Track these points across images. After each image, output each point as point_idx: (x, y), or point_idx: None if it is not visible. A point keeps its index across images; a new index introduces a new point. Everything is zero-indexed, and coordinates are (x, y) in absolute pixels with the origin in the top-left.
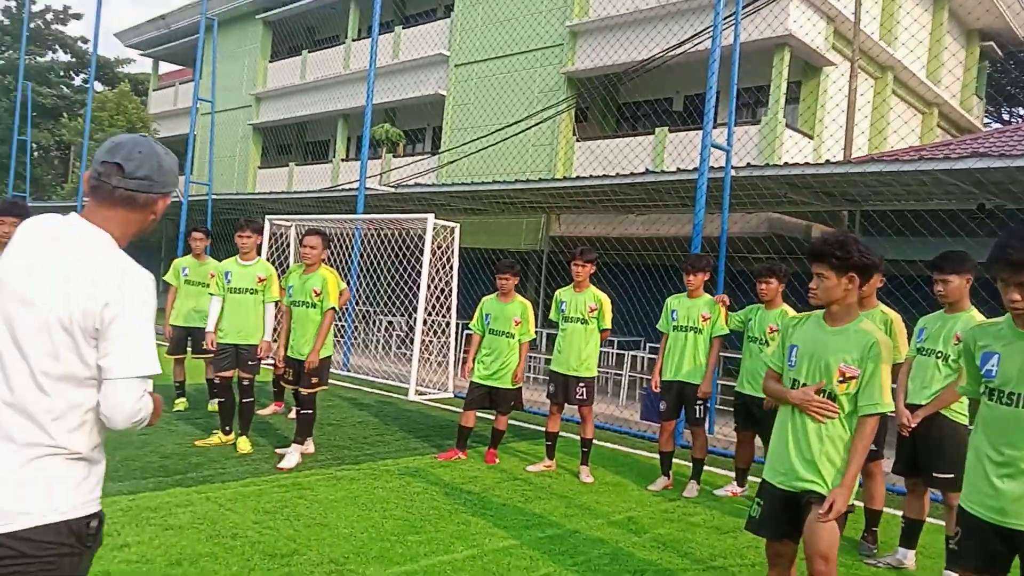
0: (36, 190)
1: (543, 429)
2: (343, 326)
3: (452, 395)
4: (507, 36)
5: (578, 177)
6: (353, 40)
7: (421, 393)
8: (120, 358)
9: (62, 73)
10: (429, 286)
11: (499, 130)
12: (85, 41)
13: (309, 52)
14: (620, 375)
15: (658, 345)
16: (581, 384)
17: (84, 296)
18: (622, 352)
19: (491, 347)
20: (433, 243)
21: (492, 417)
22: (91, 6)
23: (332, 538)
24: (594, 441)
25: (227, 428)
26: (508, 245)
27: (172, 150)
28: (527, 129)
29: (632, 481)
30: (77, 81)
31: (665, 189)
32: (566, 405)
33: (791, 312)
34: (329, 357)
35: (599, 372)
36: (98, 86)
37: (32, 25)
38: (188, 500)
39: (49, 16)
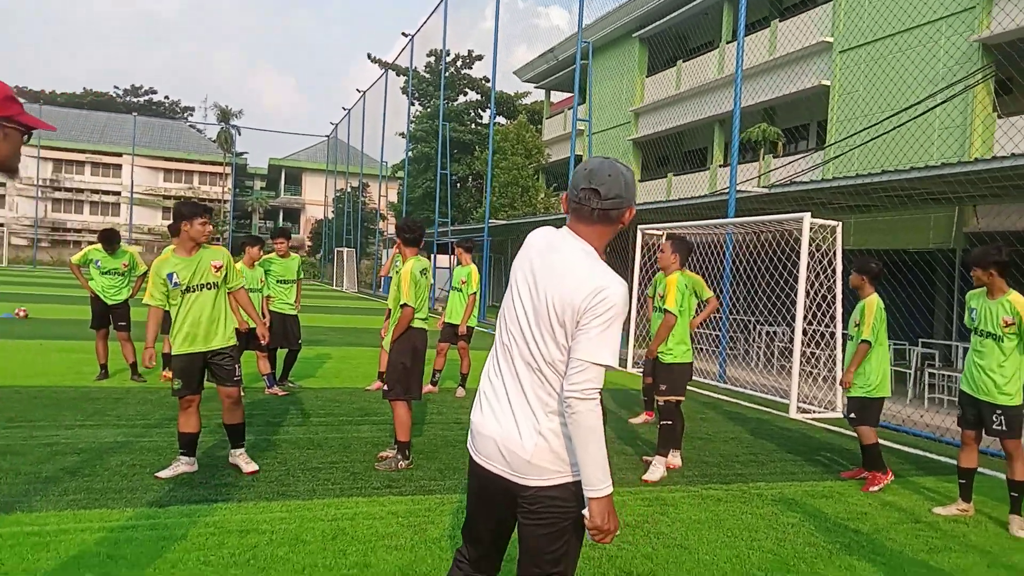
0: (458, 214)
1: (954, 462)
2: (717, 336)
3: (840, 415)
4: (903, 10)
5: (1004, 157)
6: (727, 42)
7: (804, 411)
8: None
9: (471, 113)
10: (808, 292)
11: (895, 114)
12: (487, 81)
13: (683, 61)
14: None
15: None
16: (998, 412)
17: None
18: None
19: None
20: (811, 244)
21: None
22: (491, 46)
23: (691, 563)
24: None
25: None
26: (911, 244)
27: (559, 172)
28: (931, 109)
29: None
30: (485, 118)
31: None
32: (984, 436)
33: None
34: (686, 365)
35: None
36: (501, 120)
37: (447, 73)
38: None
39: (459, 63)
